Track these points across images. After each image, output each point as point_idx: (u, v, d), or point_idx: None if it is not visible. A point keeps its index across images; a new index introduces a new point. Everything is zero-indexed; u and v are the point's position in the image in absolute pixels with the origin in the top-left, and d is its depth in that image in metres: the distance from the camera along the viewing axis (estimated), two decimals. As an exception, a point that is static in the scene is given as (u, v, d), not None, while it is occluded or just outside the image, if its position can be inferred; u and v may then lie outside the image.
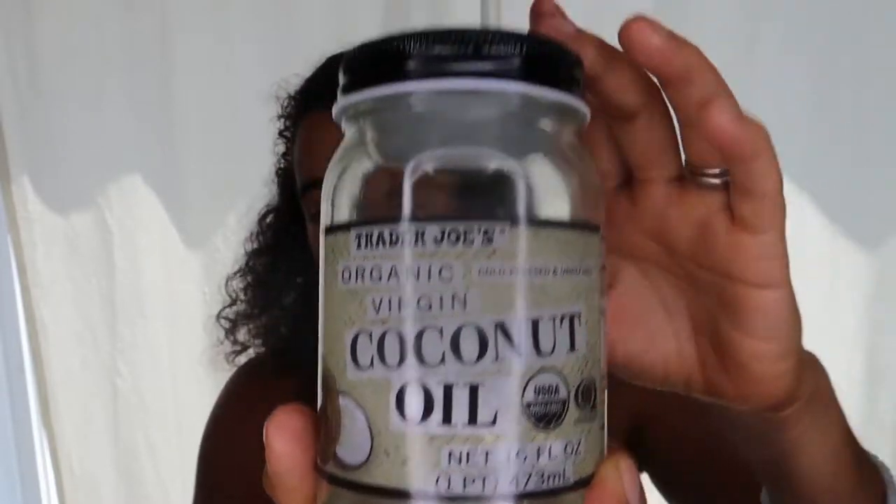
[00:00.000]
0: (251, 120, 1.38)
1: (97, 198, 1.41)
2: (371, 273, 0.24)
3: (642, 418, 0.69)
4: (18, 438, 1.47)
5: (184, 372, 1.47)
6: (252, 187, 1.39)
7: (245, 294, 0.85)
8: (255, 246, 0.86)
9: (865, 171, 1.22)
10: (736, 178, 0.28)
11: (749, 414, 0.32)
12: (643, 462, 0.71)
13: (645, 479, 0.76)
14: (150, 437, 1.48)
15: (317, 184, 0.66)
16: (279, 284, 0.83)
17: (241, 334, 0.85)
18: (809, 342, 0.32)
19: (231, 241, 1.44)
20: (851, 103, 1.20)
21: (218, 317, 0.86)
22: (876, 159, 1.21)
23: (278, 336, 0.83)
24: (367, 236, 0.24)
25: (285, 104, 0.79)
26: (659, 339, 0.33)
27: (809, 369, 0.34)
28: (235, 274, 0.86)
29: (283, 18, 1.34)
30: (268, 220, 0.86)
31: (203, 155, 1.39)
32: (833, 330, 1.22)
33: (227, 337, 0.85)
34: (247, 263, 0.86)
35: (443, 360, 0.23)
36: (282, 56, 1.35)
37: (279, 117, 0.80)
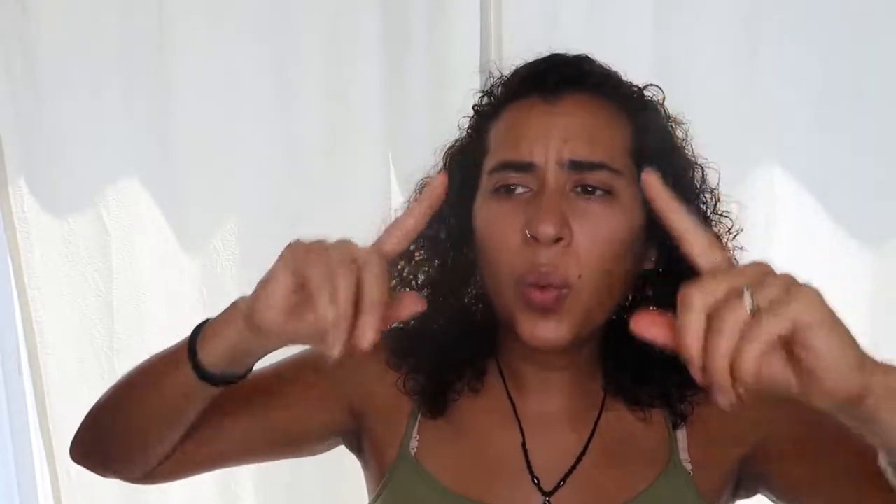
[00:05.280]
0: (249, 122, 1.38)
1: (94, 199, 1.41)
2: None
3: (768, 432, 0.73)
4: (15, 441, 1.47)
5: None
6: (250, 190, 1.39)
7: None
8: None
9: (868, 170, 1.21)
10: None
11: (841, 410, 0.50)
12: (768, 476, 0.74)
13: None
14: (148, 439, 1.47)
15: (513, 166, 0.69)
16: (418, 257, 0.79)
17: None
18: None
19: (229, 242, 1.44)
20: (855, 103, 1.20)
21: None
22: (879, 158, 1.21)
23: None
24: None
25: (491, 83, 0.78)
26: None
27: (881, 374, 0.51)
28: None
29: (282, 19, 1.33)
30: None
31: (201, 156, 1.39)
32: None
33: None
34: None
35: None
36: (281, 56, 1.35)
37: (481, 93, 0.79)
